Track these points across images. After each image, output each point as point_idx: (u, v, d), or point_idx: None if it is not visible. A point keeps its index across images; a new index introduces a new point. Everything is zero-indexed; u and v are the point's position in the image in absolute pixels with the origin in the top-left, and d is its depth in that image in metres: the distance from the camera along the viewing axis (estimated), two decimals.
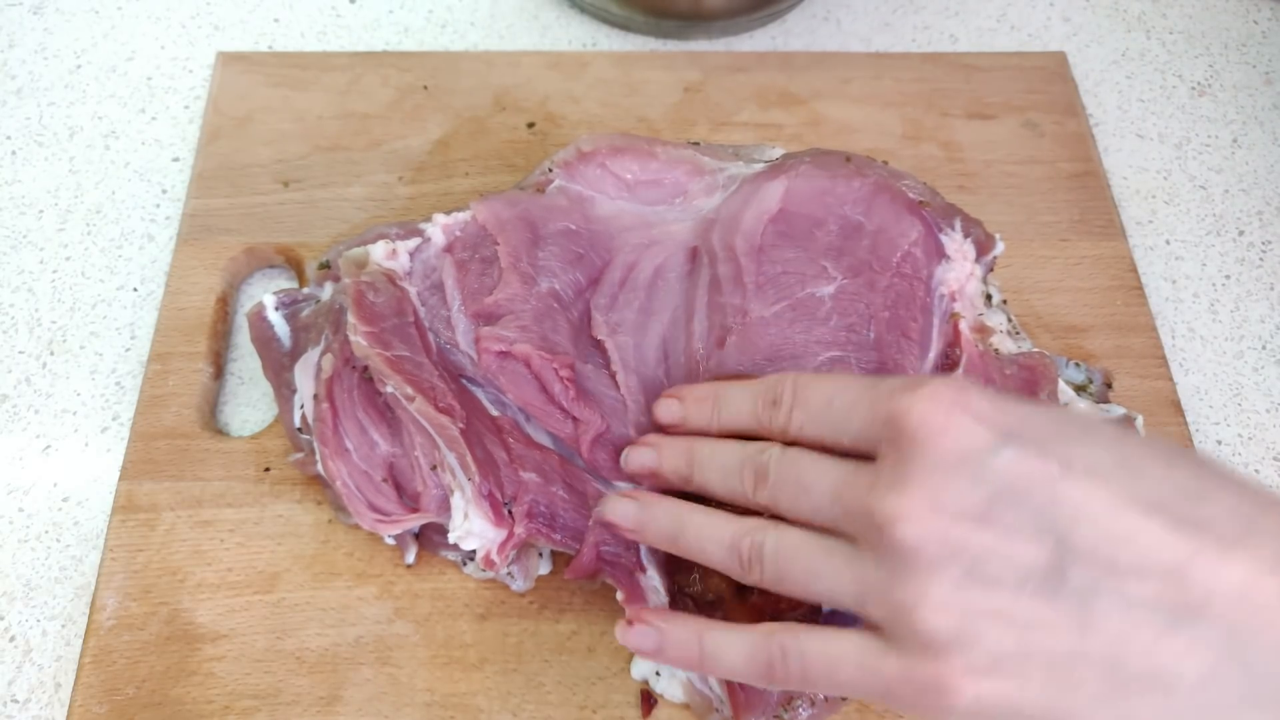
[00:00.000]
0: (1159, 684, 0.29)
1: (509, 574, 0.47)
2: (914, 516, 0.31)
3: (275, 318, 0.52)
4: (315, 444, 0.48)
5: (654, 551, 0.45)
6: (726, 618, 0.42)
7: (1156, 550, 0.29)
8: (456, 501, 0.45)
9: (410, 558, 0.48)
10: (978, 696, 0.30)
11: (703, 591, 0.42)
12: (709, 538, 0.39)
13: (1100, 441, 0.32)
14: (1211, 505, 0.30)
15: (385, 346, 0.47)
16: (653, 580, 0.45)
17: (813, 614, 0.42)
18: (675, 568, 0.43)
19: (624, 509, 0.42)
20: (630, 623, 0.39)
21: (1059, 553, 0.30)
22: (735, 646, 0.37)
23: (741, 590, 0.42)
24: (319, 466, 0.48)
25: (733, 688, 0.43)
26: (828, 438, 0.36)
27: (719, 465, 0.40)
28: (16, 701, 0.47)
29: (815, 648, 0.34)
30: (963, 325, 0.48)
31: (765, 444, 0.38)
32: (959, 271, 0.48)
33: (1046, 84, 0.65)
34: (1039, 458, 0.31)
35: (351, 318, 0.47)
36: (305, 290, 0.53)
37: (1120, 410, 0.49)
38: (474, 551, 0.45)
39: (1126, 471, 0.30)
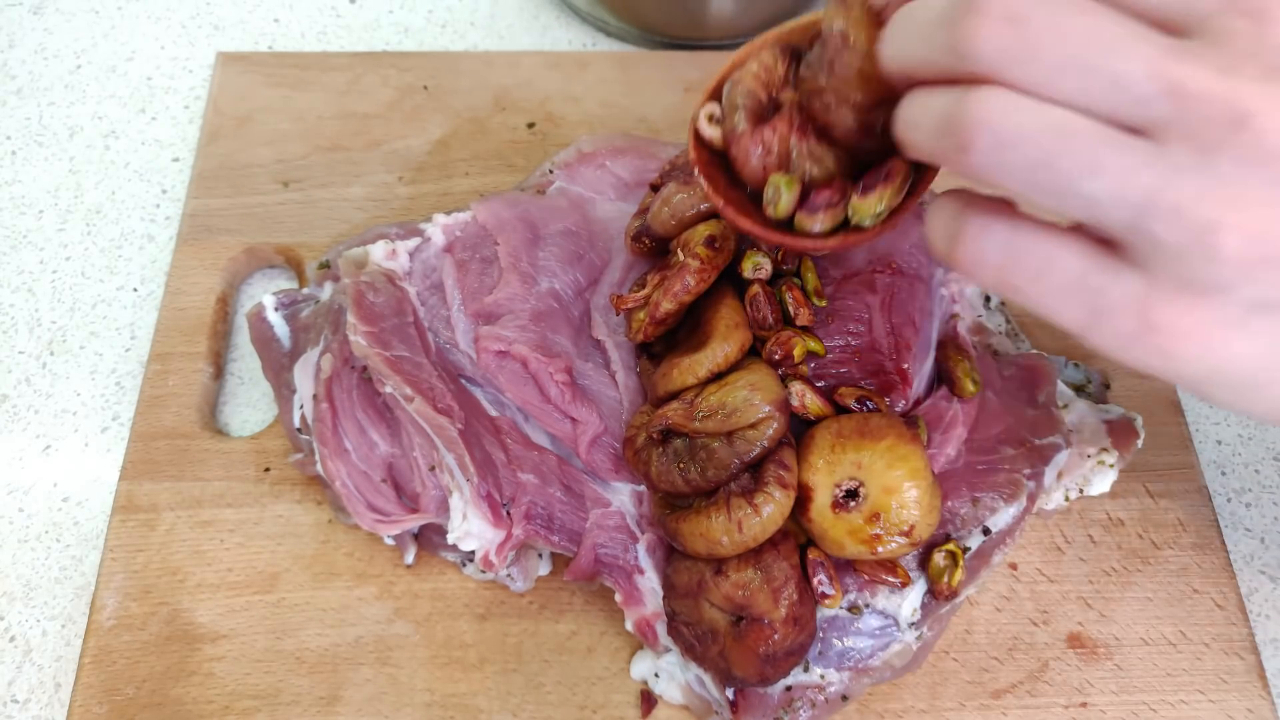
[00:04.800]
0: None
1: (508, 575, 0.47)
2: None
3: (275, 318, 0.52)
4: (315, 444, 0.48)
5: (651, 553, 0.45)
6: (723, 652, 0.41)
7: None
8: (455, 502, 0.45)
9: (409, 558, 0.48)
10: (1216, 353, 0.27)
11: (699, 621, 0.42)
12: (925, 107, 0.29)
13: None
14: None
15: (385, 346, 0.47)
16: (650, 581, 0.45)
17: (803, 644, 0.42)
18: (672, 595, 0.43)
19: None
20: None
21: None
22: (935, 218, 0.31)
23: (738, 624, 0.41)
24: (318, 467, 0.48)
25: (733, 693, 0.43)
26: None
27: (919, 19, 0.29)
28: (16, 701, 0.47)
29: (1027, 240, 0.28)
30: (961, 327, 0.48)
31: None
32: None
33: None
34: None
35: (351, 318, 0.48)
36: (305, 290, 0.53)
37: (1119, 410, 0.49)
38: (473, 552, 0.45)
39: None
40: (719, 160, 0.39)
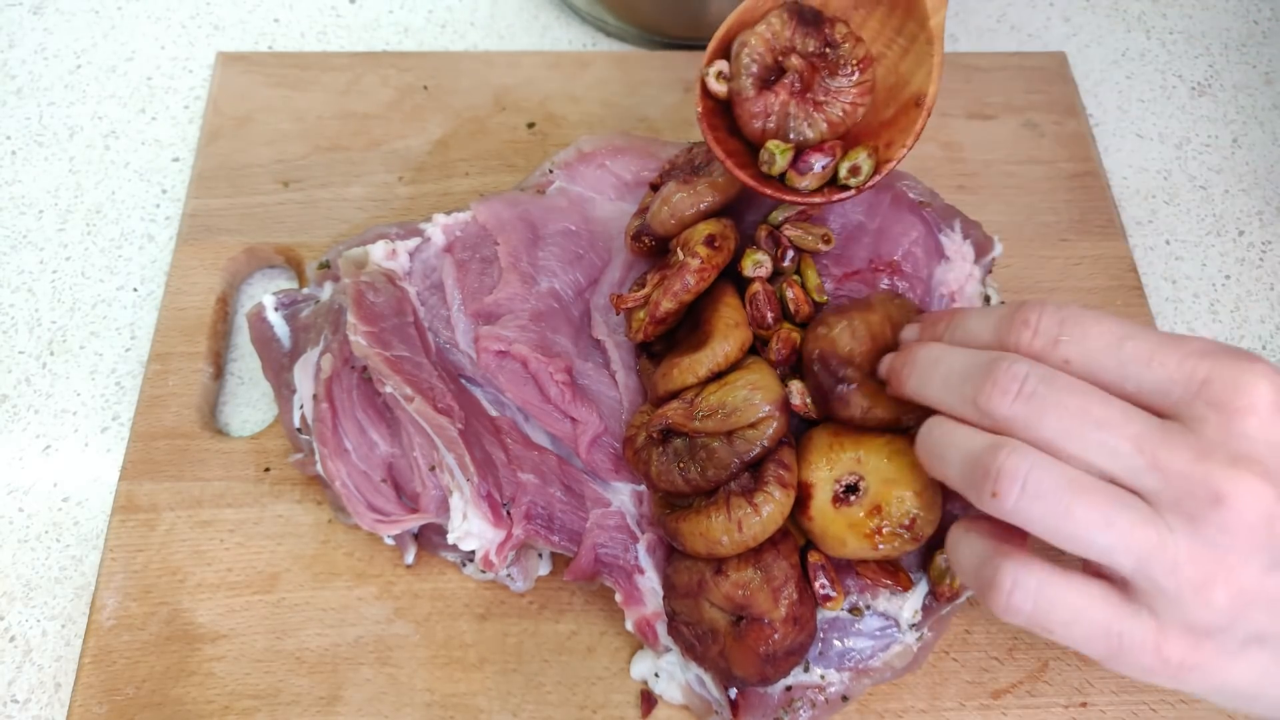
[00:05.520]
0: None
1: (509, 575, 0.47)
2: (1252, 499, 0.30)
3: (275, 318, 0.52)
4: (315, 444, 0.48)
5: (651, 553, 0.45)
6: (723, 652, 0.41)
7: None
8: (455, 502, 0.45)
9: (409, 558, 0.48)
10: (1218, 678, 0.32)
11: (699, 621, 0.42)
12: (951, 443, 0.35)
13: None
14: None
15: (385, 346, 0.47)
16: (650, 581, 0.45)
17: (803, 644, 0.42)
18: (672, 595, 0.43)
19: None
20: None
21: None
22: (963, 553, 0.35)
23: (738, 624, 0.41)
24: (318, 467, 0.48)
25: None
26: (1108, 380, 0.33)
27: (943, 371, 0.36)
28: (16, 701, 0.47)
29: (1055, 593, 0.33)
30: None
31: (1011, 354, 0.35)
32: (958, 272, 0.48)
33: (1046, 84, 0.65)
34: None
35: (351, 317, 0.48)
36: (305, 290, 0.53)
37: None
38: (473, 552, 0.45)
39: None
40: (722, 109, 0.44)
